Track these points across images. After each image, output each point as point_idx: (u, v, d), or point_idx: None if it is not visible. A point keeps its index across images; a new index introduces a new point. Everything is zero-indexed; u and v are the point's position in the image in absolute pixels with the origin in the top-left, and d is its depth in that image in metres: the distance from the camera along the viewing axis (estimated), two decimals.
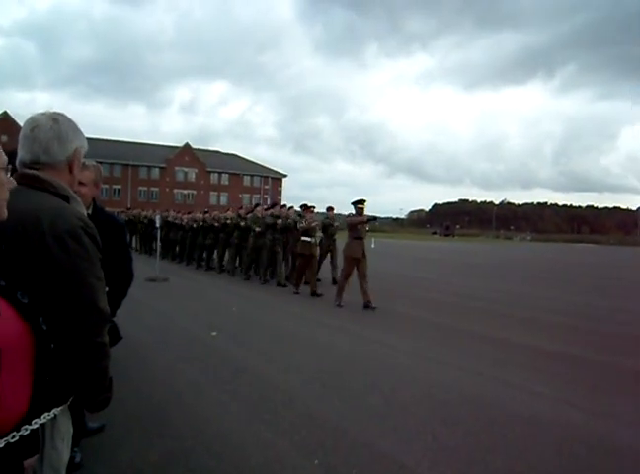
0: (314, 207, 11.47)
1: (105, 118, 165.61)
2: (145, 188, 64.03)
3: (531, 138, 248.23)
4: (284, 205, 13.69)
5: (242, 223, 12.91)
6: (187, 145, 68.04)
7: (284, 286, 11.44)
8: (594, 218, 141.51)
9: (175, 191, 65.64)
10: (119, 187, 62.10)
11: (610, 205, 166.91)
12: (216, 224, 14.24)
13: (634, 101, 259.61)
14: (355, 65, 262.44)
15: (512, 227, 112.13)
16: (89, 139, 1.70)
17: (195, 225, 15.39)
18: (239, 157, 75.04)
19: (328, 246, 12.39)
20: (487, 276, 16.62)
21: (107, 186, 60.96)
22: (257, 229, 11.96)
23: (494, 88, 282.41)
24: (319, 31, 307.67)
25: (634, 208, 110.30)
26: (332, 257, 12.38)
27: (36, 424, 1.29)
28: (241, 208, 14.60)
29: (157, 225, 13.78)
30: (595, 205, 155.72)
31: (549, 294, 12.45)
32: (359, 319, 8.13)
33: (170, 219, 17.16)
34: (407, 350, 6.25)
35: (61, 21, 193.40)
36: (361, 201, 9.25)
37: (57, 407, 1.41)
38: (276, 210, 12.42)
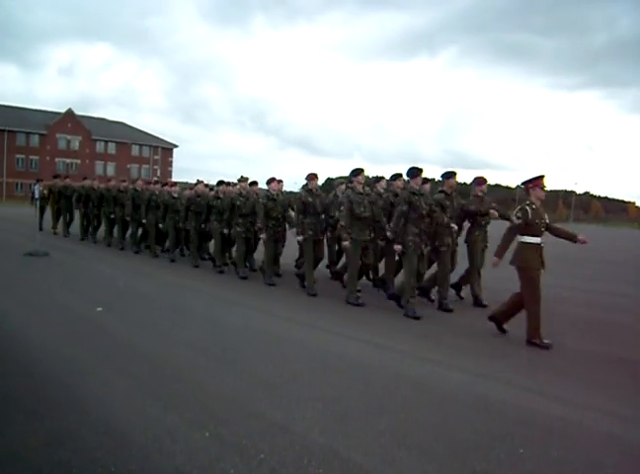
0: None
1: None
2: (23, 156, 59.15)
3: (416, 116, 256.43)
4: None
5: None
6: (69, 111, 63.53)
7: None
8: None
9: (57, 159, 61.26)
10: None
11: (492, 183, 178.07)
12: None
13: (510, 84, 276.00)
14: (242, 35, 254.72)
15: None
16: None
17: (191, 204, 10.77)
18: (127, 125, 71.33)
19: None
20: None
21: None
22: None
23: (380, 66, 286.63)
24: None
25: (513, 186, 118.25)
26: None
27: None
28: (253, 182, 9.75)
29: (36, 197, 13.09)
30: None
31: None
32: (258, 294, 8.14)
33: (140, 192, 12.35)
34: (301, 321, 6.40)
35: None
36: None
37: None
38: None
